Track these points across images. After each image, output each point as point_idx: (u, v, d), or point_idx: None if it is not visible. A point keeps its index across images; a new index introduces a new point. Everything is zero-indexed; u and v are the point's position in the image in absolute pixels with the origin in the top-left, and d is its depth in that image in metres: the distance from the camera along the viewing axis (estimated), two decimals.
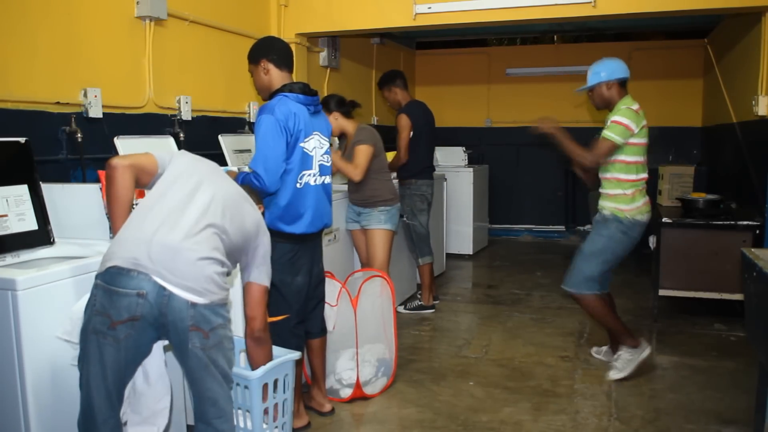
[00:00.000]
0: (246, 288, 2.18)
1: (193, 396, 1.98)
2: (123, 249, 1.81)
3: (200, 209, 1.92)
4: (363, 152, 3.61)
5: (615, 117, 3.18)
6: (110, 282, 1.79)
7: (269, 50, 2.68)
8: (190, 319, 1.82)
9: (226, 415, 1.96)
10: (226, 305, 1.96)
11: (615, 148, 3.17)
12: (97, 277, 1.84)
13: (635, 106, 3.22)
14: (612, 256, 3.34)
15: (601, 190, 3.39)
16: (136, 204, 2.00)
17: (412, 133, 4.53)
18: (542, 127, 3.29)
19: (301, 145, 2.63)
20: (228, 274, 1.99)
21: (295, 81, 2.70)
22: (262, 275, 2.17)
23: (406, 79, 4.73)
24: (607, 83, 3.26)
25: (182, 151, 2.18)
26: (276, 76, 2.68)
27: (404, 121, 4.53)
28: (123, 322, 1.78)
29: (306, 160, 2.67)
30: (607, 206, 3.33)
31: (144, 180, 1.99)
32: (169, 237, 1.83)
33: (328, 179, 2.82)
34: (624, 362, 3.40)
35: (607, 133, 3.17)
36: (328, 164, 2.82)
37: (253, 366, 2.27)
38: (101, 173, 2.42)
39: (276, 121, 2.53)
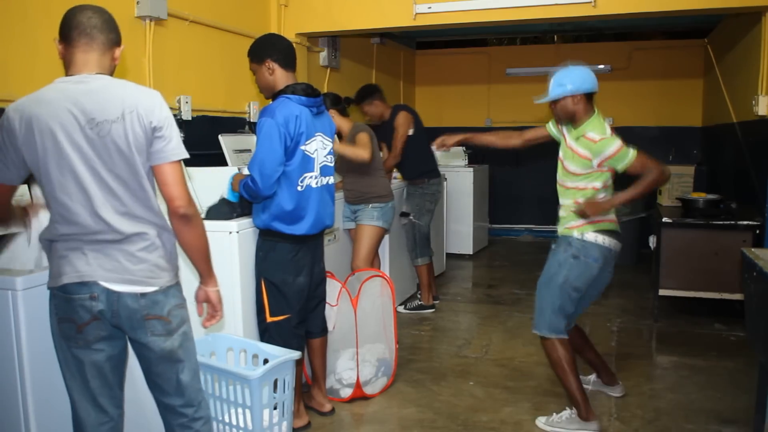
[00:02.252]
0: (156, 171, 1.82)
1: (157, 394, 1.94)
2: (66, 265, 1.75)
3: (93, 204, 1.73)
4: (366, 138, 3.68)
5: (608, 151, 2.69)
6: (65, 291, 1.77)
7: (274, 50, 2.66)
8: (142, 309, 1.80)
9: (198, 404, 1.95)
10: (178, 284, 1.91)
11: (644, 154, 2.72)
12: (51, 288, 1.80)
13: (608, 129, 2.78)
14: (570, 287, 2.81)
15: (560, 209, 2.97)
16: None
17: (412, 131, 4.52)
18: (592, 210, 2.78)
19: (302, 147, 2.62)
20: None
21: (298, 81, 2.69)
22: (168, 151, 1.81)
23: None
24: (573, 97, 2.77)
25: (10, 115, 1.76)
26: (281, 77, 2.66)
27: (404, 118, 4.48)
28: (87, 323, 1.77)
29: (307, 163, 2.66)
30: (561, 226, 2.94)
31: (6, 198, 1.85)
32: (96, 241, 1.75)
33: (330, 180, 2.82)
34: (563, 423, 2.89)
35: (627, 161, 2.69)
36: (331, 164, 2.82)
37: (188, 251, 1.92)
38: None
39: (276, 125, 2.52)
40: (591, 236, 2.79)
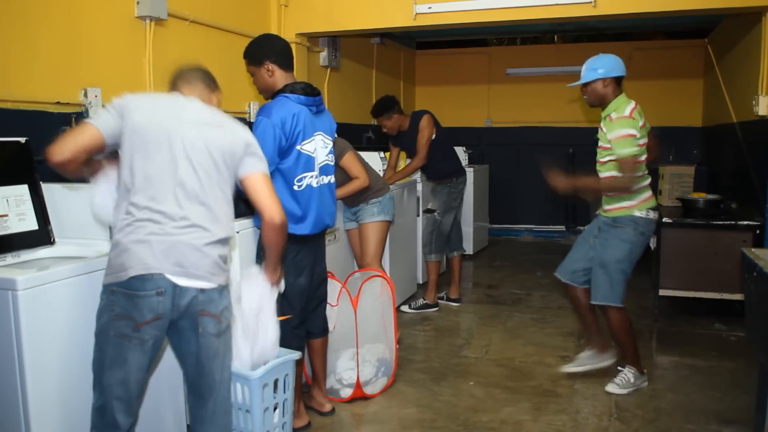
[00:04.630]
0: (245, 183, 2.05)
1: (191, 390, 1.99)
2: (132, 258, 1.80)
3: (180, 188, 1.86)
4: (352, 158, 3.53)
5: (616, 132, 3.02)
6: (130, 287, 1.79)
7: (272, 51, 2.64)
8: (199, 304, 1.87)
9: (226, 407, 2.02)
10: (228, 287, 1.99)
11: (637, 159, 3.04)
12: (111, 285, 1.83)
13: (628, 109, 3.05)
14: (635, 260, 3.18)
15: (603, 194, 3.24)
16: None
17: (435, 135, 4.56)
18: (558, 186, 3.12)
19: (299, 147, 2.61)
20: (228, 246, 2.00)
21: (297, 81, 2.69)
22: (253, 164, 2.04)
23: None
24: (603, 80, 3.10)
25: (131, 99, 1.93)
26: (280, 77, 2.65)
27: (427, 121, 4.54)
28: (148, 322, 1.81)
29: (306, 162, 2.65)
30: (614, 207, 3.16)
31: (96, 153, 1.94)
32: (167, 231, 1.83)
33: (331, 179, 2.81)
34: (626, 382, 3.25)
35: (621, 151, 3.00)
36: (332, 163, 2.81)
37: (269, 252, 2.20)
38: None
39: (271, 125, 2.52)
40: (652, 214, 3.14)
